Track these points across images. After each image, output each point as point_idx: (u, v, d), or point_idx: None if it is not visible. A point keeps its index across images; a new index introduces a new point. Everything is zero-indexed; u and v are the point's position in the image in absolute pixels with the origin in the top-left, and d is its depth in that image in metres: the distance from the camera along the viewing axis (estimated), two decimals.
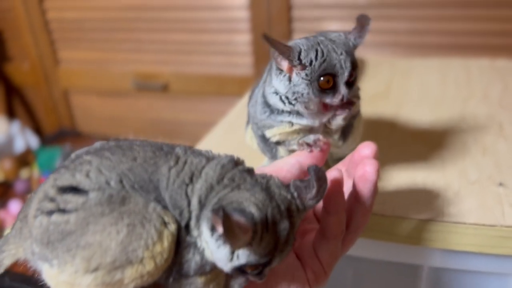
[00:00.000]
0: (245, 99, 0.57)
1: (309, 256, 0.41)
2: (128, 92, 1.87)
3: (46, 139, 2.05)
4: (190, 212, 0.34)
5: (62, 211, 0.33)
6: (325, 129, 0.49)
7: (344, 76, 0.43)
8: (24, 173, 1.82)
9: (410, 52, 1.41)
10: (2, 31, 1.98)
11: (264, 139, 0.51)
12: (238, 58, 1.62)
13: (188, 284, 0.35)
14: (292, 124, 0.47)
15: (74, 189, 0.33)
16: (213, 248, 0.33)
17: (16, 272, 0.63)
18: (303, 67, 0.43)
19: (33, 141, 2.00)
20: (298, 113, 0.47)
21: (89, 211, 0.32)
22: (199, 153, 0.37)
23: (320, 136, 0.47)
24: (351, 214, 0.41)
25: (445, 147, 0.63)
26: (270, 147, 0.51)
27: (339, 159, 0.56)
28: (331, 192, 0.39)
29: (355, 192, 0.40)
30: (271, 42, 0.43)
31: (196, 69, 1.74)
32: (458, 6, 1.33)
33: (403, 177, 0.57)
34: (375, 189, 0.40)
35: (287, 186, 0.35)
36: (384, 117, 0.73)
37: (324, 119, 0.47)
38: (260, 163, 0.58)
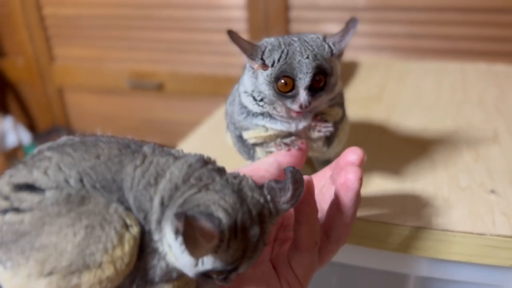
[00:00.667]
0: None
1: (283, 267, 0.39)
2: (123, 91, 1.85)
3: (39, 136, 2.03)
4: (151, 215, 0.31)
5: (16, 210, 0.31)
6: (307, 136, 0.47)
7: (304, 80, 0.41)
8: None
9: (408, 56, 1.39)
10: None
11: (241, 140, 0.49)
12: (234, 59, 1.61)
13: None
14: (266, 129, 0.46)
15: (30, 187, 0.31)
16: (176, 252, 0.31)
17: None
18: (266, 67, 0.42)
19: (26, 137, 1.98)
20: (271, 117, 0.45)
21: (45, 211, 0.30)
22: (168, 152, 0.34)
23: (297, 138, 0.45)
24: (332, 224, 0.39)
25: (436, 152, 0.61)
26: (247, 148, 0.49)
27: (326, 161, 0.55)
28: (302, 200, 0.37)
29: (336, 201, 0.38)
30: (235, 40, 0.41)
31: (191, 69, 1.72)
32: (457, 11, 1.31)
33: (392, 181, 0.55)
34: (358, 198, 0.38)
35: (260, 188, 0.33)
36: (376, 121, 0.71)
37: (300, 126, 0.45)
38: (244, 163, 0.56)
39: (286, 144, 0.45)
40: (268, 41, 0.42)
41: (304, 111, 0.42)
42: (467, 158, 0.60)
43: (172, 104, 1.82)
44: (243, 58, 0.44)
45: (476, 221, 0.48)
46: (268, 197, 0.32)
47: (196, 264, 0.30)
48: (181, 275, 0.33)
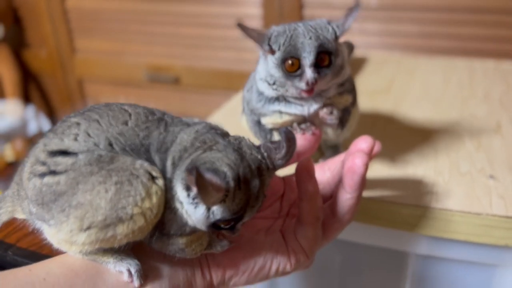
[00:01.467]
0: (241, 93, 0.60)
1: (290, 238, 0.43)
2: (140, 83, 1.90)
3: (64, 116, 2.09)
4: (166, 174, 0.35)
5: (53, 172, 0.34)
6: (321, 121, 0.50)
7: (309, 59, 0.44)
8: None
9: (418, 55, 1.41)
10: (22, 19, 2.03)
11: (258, 124, 0.52)
12: (248, 54, 1.64)
13: (170, 244, 0.36)
14: (281, 114, 0.49)
15: (64, 152, 0.34)
16: (189, 208, 0.34)
17: (19, 247, 0.66)
18: (273, 51, 0.46)
19: (46, 125, 2.05)
20: (286, 101, 0.49)
21: (79, 171, 0.33)
22: (183, 122, 0.38)
23: (311, 124, 0.49)
24: (338, 203, 0.43)
25: (440, 140, 0.64)
26: (264, 132, 0.53)
27: (333, 146, 0.58)
28: (300, 179, 0.41)
29: (342, 182, 0.42)
30: (245, 30, 0.45)
31: (207, 64, 1.76)
32: (467, 11, 1.33)
33: (395, 166, 0.58)
34: (363, 182, 0.41)
35: (258, 147, 0.37)
36: (383, 111, 0.74)
37: (312, 110, 0.49)
38: None
39: (301, 129, 0.49)
40: (274, 28, 0.47)
41: (312, 90, 0.46)
42: (469, 146, 0.62)
43: (187, 98, 1.86)
44: (256, 48, 0.48)
45: (473, 202, 0.51)
46: (265, 154, 0.36)
47: (208, 216, 0.34)
48: (193, 231, 0.36)
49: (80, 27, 1.92)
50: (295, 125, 0.50)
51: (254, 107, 0.51)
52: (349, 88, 0.51)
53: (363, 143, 0.44)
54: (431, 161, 0.59)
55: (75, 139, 0.35)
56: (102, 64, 1.95)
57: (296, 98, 0.48)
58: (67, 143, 0.35)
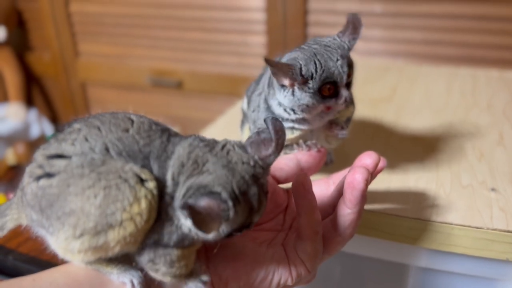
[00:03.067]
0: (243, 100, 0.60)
1: (292, 253, 0.42)
2: (143, 87, 1.91)
3: (68, 123, 2.09)
4: (166, 188, 0.35)
5: (48, 175, 0.34)
6: (326, 133, 0.51)
7: (343, 80, 0.46)
8: None
9: (422, 62, 1.41)
10: (26, 22, 2.04)
11: None
12: (251, 60, 1.64)
13: (163, 255, 0.36)
14: (293, 130, 0.50)
15: (60, 156, 0.35)
16: (198, 233, 0.34)
17: (19, 252, 0.66)
18: (305, 81, 0.45)
19: (49, 129, 2.05)
20: (301, 119, 0.49)
21: (70, 173, 0.33)
22: (184, 135, 0.38)
23: (317, 142, 0.50)
24: (338, 217, 0.42)
25: (441, 151, 0.64)
26: None
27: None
28: (297, 193, 0.41)
29: (343, 197, 0.42)
30: (273, 65, 0.45)
31: (210, 68, 1.76)
32: (472, 19, 1.33)
33: (396, 177, 0.58)
34: (363, 197, 0.41)
35: (246, 150, 0.36)
36: (385, 120, 0.74)
37: (320, 123, 0.50)
38: None
39: (307, 146, 0.49)
40: (297, 57, 0.46)
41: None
42: (471, 158, 0.62)
43: (190, 102, 1.86)
44: (272, 80, 0.48)
45: (474, 215, 0.50)
46: (255, 156, 0.36)
47: (218, 234, 0.34)
48: (192, 244, 0.36)
49: (84, 30, 1.93)
50: (301, 141, 0.50)
51: (260, 124, 0.51)
52: (351, 99, 0.52)
53: (368, 158, 0.44)
54: (432, 173, 0.59)
55: (72, 144, 0.35)
56: (105, 68, 1.95)
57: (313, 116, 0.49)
58: (64, 147, 0.35)
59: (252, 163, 0.36)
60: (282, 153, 0.52)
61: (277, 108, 0.49)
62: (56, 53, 2.00)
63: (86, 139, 0.35)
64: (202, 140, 0.37)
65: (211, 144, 0.37)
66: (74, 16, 1.91)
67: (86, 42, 1.95)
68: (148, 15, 1.78)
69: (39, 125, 2.01)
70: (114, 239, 0.33)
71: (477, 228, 0.49)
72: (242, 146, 0.37)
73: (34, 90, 2.18)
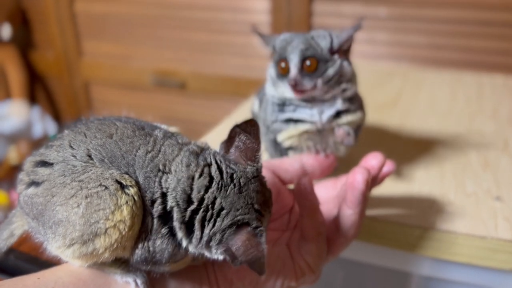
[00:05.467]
0: (250, 100, 0.60)
1: (296, 253, 0.43)
2: (147, 87, 1.91)
3: (65, 127, 2.09)
4: (170, 210, 0.34)
5: (34, 183, 0.35)
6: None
7: (294, 60, 0.47)
8: None
9: (426, 66, 1.41)
10: (30, 20, 2.04)
11: (274, 144, 0.53)
12: (256, 61, 1.64)
13: (157, 268, 0.36)
14: (295, 123, 0.49)
15: (45, 163, 0.35)
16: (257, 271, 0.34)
17: (21, 251, 0.66)
18: (274, 53, 0.50)
19: (52, 128, 2.05)
20: (294, 107, 0.50)
21: (53, 182, 0.34)
22: (174, 142, 0.36)
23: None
24: (340, 218, 0.42)
25: (446, 159, 0.63)
26: (280, 152, 0.53)
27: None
28: (300, 195, 0.41)
29: (345, 198, 0.42)
30: (259, 34, 0.51)
31: (213, 69, 1.76)
32: (477, 24, 1.32)
33: (401, 184, 0.58)
34: (364, 198, 0.41)
35: (236, 166, 0.36)
36: (390, 126, 0.74)
37: (324, 118, 0.49)
38: None
39: (317, 149, 0.50)
40: (282, 35, 0.50)
41: (301, 91, 0.47)
42: (476, 165, 0.62)
43: (193, 103, 1.86)
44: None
45: (478, 224, 0.50)
46: (248, 168, 0.36)
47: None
48: (183, 257, 0.36)
49: (88, 30, 1.93)
50: (310, 144, 0.50)
51: (269, 122, 0.52)
52: (359, 105, 0.52)
53: (373, 159, 0.44)
54: (437, 180, 0.58)
55: (56, 150, 0.35)
56: (108, 68, 1.95)
57: (301, 101, 0.49)
58: (48, 154, 0.35)
59: (258, 185, 0.36)
60: (291, 154, 0.52)
61: (267, 86, 0.52)
62: (60, 52, 2.00)
63: (71, 146, 0.35)
64: (203, 150, 0.37)
65: (209, 164, 0.36)
66: (78, 16, 1.91)
67: (90, 42, 1.95)
68: (152, 15, 1.78)
69: (42, 124, 2.01)
70: (102, 246, 0.33)
71: (481, 237, 0.49)
72: (235, 162, 0.36)
73: (37, 89, 2.18)
